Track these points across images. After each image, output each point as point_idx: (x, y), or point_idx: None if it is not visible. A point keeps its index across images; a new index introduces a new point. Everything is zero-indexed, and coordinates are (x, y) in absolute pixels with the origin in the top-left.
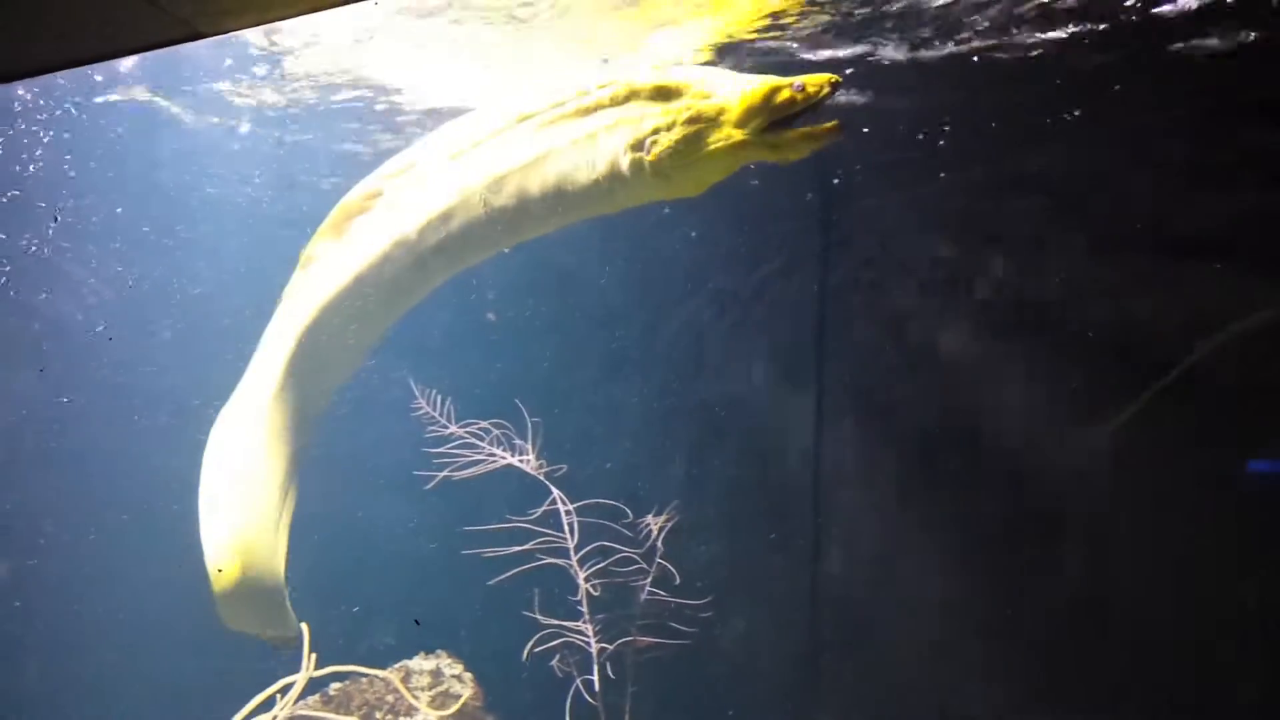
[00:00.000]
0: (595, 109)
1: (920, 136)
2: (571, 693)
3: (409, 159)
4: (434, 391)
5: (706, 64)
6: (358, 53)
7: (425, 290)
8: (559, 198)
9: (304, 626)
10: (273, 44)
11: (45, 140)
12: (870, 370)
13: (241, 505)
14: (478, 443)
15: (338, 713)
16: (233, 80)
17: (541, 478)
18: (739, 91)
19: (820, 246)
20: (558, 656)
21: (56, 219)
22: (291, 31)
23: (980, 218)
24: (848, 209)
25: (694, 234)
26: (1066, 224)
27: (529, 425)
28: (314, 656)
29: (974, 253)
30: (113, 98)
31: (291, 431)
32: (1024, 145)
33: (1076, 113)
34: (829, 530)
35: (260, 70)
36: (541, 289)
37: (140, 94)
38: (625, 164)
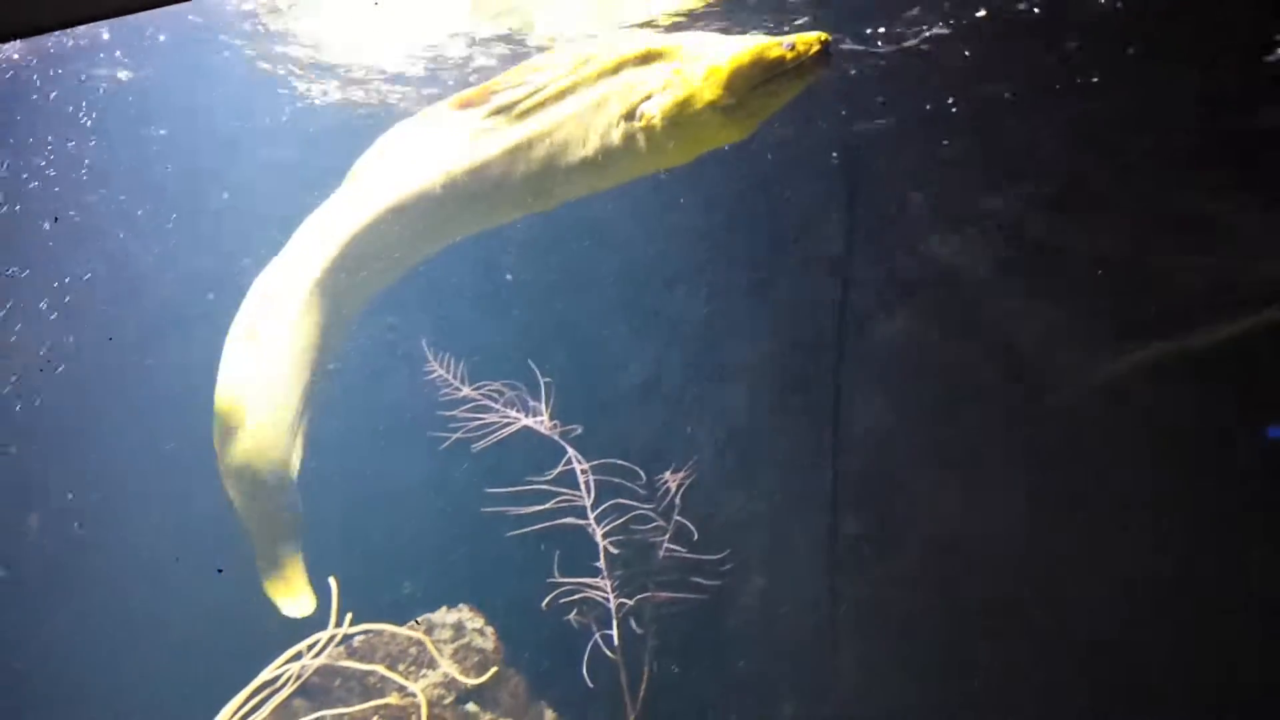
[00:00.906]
0: (587, 81)
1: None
2: (590, 646)
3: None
4: (448, 355)
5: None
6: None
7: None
8: (551, 176)
9: (333, 581)
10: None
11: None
12: (893, 327)
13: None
14: (493, 404)
15: (361, 664)
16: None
17: (557, 438)
18: (729, 52)
19: (845, 204)
20: (575, 611)
21: (56, 219)
22: None
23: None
24: (871, 166)
25: (714, 195)
26: None
27: (541, 385)
28: (349, 615)
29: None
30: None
31: (324, 332)
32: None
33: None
34: (849, 486)
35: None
36: (565, 246)
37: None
38: (617, 136)
